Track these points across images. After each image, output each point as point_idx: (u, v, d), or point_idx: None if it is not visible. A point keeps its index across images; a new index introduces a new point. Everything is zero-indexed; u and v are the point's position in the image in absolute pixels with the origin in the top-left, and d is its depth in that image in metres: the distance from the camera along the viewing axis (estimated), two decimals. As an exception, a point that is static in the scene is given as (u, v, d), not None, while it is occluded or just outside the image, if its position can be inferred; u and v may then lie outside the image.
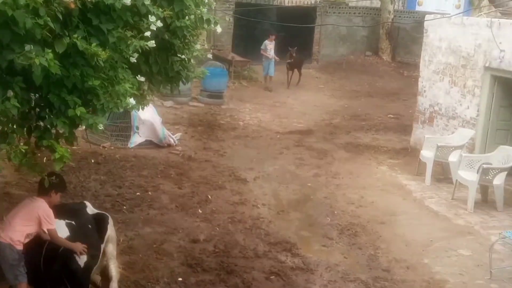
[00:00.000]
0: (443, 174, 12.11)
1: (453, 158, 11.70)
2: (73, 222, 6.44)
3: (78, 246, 6.13)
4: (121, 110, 5.12)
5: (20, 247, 5.93)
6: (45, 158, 5.68)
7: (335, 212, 10.04)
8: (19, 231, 5.89)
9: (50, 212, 6.00)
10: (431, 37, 14.01)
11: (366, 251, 8.60)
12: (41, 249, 6.11)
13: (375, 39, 27.08)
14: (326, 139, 14.94)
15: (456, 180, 10.98)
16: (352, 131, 16.01)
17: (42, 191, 6.08)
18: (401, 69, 25.67)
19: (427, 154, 12.02)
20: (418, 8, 30.67)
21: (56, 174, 5.88)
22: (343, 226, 9.42)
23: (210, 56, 7.13)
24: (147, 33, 5.02)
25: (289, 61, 21.23)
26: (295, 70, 21.56)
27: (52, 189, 6.05)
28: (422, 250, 8.73)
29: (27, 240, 5.97)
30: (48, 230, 5.95)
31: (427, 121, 14.05)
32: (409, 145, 14.40)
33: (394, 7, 27.17)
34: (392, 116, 18.25)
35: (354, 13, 26.81)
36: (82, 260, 6.15)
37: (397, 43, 27.08)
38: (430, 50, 14.01)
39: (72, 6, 4.28)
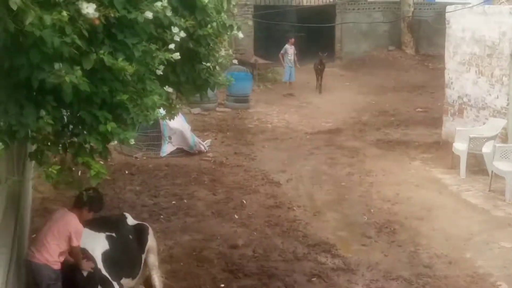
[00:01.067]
0: (477, 165, 11.89)
1: (486, 149, 11.48)
2: (113, 234, 6.51)
3: (86, 265, 6.13)
4: (151, 122, 5.11)
5: (57, 267, 5.95)
6: (79, 172, 5.69)
7: (372, 210, 9.94)
8: (53, 251, 5.91)
9: (80, 229, 6.01)
10: (454, 28, 13.82)
11: (406, 248, 8.49)
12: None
13: (396, 33, 26.86)
14: (356, 137, 14.82)
15: (492, 171, 10.79)
16: (382, 127, 15.87)
17: (76, 205, 6.11)
18: (425, 61, 25.41)
19: (460, 146, 11.84)
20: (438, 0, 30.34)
21: (96, 192, 5.86)
22: (380, 224, 9.32)
23: (235, 61, 7.09)
24: (171, 45, 5.00)
25: (319, 67, 20.85)
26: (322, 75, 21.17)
27: (86, 206, 6.06)
28: (463, 244, 8.60)
29: (62, 258, 5.99)
30: (73, 247, 5.96)
31: (457, 113, 13.83)
32: (440, 138, 14.20)
33: (413, 0, 26.91)
34: (420, 109, 18.06)
35: (374, 8, 26.67)
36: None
37: (419, 36, 26.79)
38: (454, 41, 13.82)
39: (97, 22, 4.27)
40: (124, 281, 6.43)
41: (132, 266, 6.58)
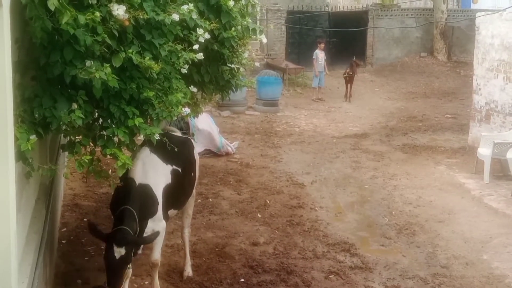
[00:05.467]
0: (501, 171, 11.96)
1: (511, 154, 11.54)
2: None
3: None
4: (174, 118, 5.41)
5: None
6: (110, 171, 5.99)
7: (393, 212, 10.10)
8: None
9: None
10: (483, 34, 13.87)
11: (424, 249, 8.65)
12: None
13: (429, 39, 26.88)
14: (383, 142, 14.97)
15: (516, 176, 10.86)
16: (409, 132, 15.98)
17: None
18: (457, 68, 25.40)
19: (484, 151, 11.91)
20: (473, 6, 30.28)
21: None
22: (401, 226, 9.48)
23: (257, 64, 7.37)
24: (196, 46, 5.32)
25: (350, 73, 20.25)
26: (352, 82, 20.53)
27: None
28: (481, 246, 8.71)
29: None
30: None
31: (483, 119, 13.89)
32: (466, 144, 14.27)
33: (447, 6, 26.92)
34: (449, 116, 18.12)
35: (407, 14, 26.73)
36: None
37: (452, 42, 26.78)
38: (483, 47, 13.87)
39: (127, 23, 4.61)
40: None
41: None
